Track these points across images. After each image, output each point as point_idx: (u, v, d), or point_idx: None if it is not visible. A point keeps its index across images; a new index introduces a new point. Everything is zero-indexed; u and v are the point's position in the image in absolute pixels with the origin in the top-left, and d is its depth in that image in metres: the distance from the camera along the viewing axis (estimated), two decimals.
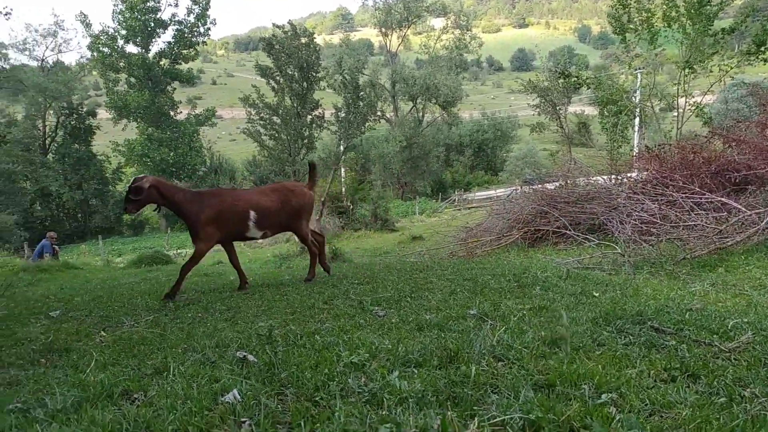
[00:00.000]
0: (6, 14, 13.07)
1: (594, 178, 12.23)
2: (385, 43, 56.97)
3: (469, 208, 33.18)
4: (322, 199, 22.21)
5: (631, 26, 19.36)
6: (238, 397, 2.42)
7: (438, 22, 58.41)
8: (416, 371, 2.59)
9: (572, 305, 3.99)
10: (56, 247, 15.52)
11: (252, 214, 5.92)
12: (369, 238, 23.27)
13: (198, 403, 2.34)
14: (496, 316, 3.63)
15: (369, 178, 42.28)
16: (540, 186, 12.63)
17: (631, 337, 3.11)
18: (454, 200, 39.07)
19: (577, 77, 20.06)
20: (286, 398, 2.40)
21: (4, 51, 44.43)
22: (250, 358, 3.01)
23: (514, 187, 16.33)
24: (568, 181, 12.24)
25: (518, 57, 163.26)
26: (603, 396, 2.16)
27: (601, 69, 47.99)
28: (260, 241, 33.51)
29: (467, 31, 54.76)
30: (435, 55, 53.99)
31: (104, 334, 4.17)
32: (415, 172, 45.91)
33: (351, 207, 27.94)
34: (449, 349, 2.80)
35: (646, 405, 2.16)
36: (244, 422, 2.18)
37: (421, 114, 50.50)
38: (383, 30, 54.01)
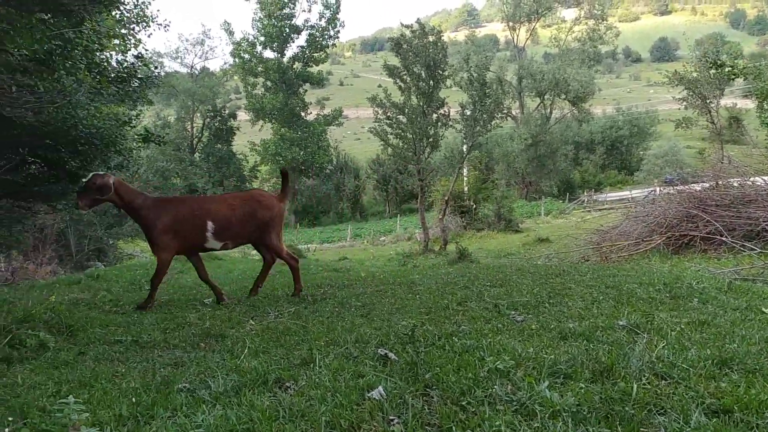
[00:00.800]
0: (165, 26, 14.45)
1: (752, 179, 10.92)
2: (512, 38, 55.43)
3: (600, 210, 31.33)
4: (446, 198, 22.12)
5: None
6: (384, 394, 2.46)
7: (569, 13, 55.65)
8: (566, 383, 2.46)
9: (738, 322, 3.58)
10: None
11: (210, 224, 5.59)
12: (492, 239, 22.87)
13: (346, 396, 2.40)
14: (649, 329, 3.36)
15: (492, 177, 41.39)
16: (686, 187, 11.56)
17: None
18: (583, 201, 37.14)
19: (732, 67, 18.05)
20: (431, 400, 2.40)
21: (160, 59, 49.61)
22: (391, 355, 3.05)
23: (651, 188, 15.12)
24: (720, 182, 11.05)
25: (659, 47, 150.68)
26: None
27: (759, 57, 42.69)
28: (383, 238, 34.19)
29: (602, 21, 51.53)
30: (566, 48, 51.39)
31: (253, 323, 4.47)
32: (540, 171, 44.20)
33: (474, 206, 27.59)
34: (602, 362, 2.63)
35: None
36: (392, 420, 2.20)
37: (548, 110, 48.47)
38: (510, 24, 52.52)
